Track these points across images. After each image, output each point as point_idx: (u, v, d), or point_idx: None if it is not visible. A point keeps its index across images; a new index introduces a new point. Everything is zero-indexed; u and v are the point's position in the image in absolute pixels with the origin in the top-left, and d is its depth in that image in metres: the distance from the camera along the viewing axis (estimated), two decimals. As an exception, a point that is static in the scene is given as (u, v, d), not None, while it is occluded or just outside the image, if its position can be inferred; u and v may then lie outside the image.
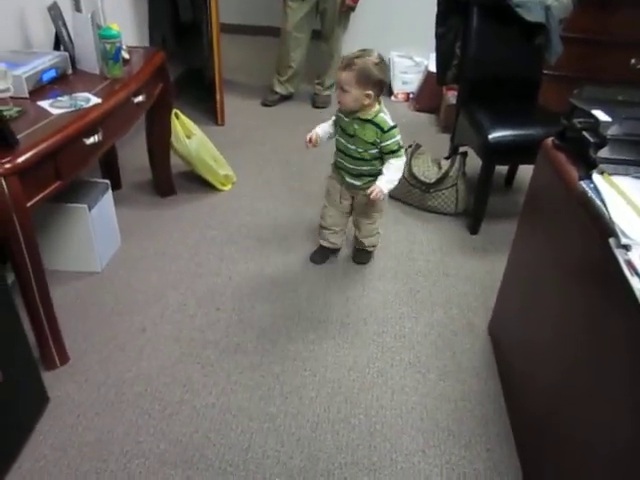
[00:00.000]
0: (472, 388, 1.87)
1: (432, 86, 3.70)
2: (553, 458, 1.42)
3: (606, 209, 1.21)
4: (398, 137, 2.07)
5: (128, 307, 2.14)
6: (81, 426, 1.69)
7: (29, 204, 1.58)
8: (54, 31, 2.13)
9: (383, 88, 2.06)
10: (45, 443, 1.63)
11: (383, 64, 2.01)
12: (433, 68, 3.29)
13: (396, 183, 2.09)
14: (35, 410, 1.70)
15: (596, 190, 1.29)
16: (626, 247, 1.11)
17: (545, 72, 2.84)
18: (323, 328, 2.09)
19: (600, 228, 1.21)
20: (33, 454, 1.60)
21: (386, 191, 2.05)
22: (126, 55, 2.23)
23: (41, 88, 1.91)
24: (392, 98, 4.24)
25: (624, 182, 1.31)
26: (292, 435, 1.69)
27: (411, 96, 4.20)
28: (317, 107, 4.04)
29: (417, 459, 1.64)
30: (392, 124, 2.05)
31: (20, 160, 1.51)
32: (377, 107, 2.06)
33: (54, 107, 1.78)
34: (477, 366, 1.96)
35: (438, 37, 2.83)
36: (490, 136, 2.46)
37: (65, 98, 1.85)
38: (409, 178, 2.80)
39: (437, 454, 1.65)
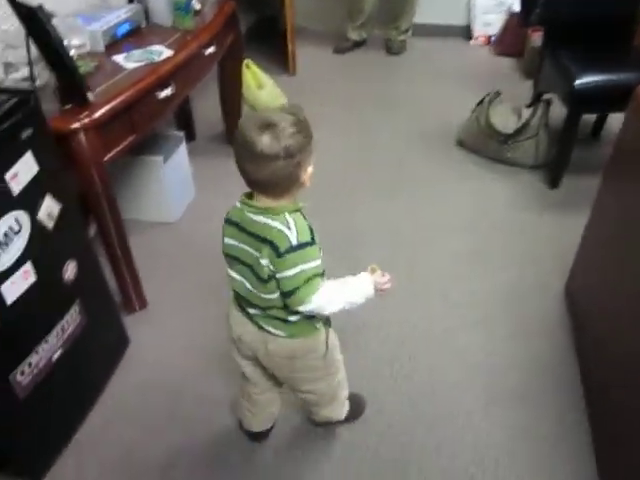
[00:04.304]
0: (542, 350, 1.82)
1: (516, 28, 3.46)
2: (626, 426, 1.36)
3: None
4: None
5: (201, 256, 2.22)
6: (158, 367, 1.80)
7: (106, 157, 1.65)
8: (128, -17, 2.16)
9: None
10: (126, 381, 1.76)
11: None
12: (517, 8, 3.05)
13: None
14: (117, 350, 1.83)
15: (692, 145, 1.17)
16: None
17: (643, 9, 2.57)
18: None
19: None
20: (115, 390, 1.73)
21: None
22: (197, 6, 2.22)
23: (116, 42, 1.95)
24: (471, 42, 4.00)
25: None
26: (354, 388, 1.71)
27: (492, 39, 3.94)
28: (392, 54, 3.88)
29: (479, 417, 1.63)
30: None
31: (97, 115, 1.56)
32: None
33: (128, 61, 1.82)
34: (549, 328, 1.89)
35: (524, -27, 2.62)
36: (577, 81, 2.28)
37: (138, 52, 1.88)
38: (486, 128, 2.66)
39: (500, 414, 1.63)
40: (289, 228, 1.13)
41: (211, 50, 2.19)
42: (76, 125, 1.53)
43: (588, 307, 1.81)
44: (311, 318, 1.25)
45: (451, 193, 2.54)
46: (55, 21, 1.51)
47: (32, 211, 1.33)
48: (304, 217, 1.18)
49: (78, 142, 1.54)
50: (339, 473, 1.52)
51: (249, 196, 1.20)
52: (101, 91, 1.65)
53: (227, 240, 1.24)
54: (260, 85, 2.75)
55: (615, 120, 2.54)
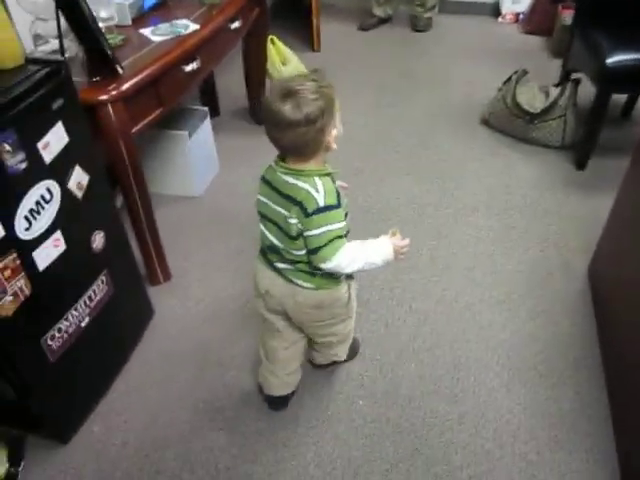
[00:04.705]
0: (565, 330, 1.81)
1: (545, 5, 3.39)
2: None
3: None
4: None
5: (225, 230, 2.25)
6: (182, 337, 1.84)
7: (134, 130, 1.67)
8: (155, -44, 2.15)
9: None
10: (151, 350, 1.80)
11: None
12: (548, -16, 2.99)
13: None
14: (142, 321, 1.87)
15: None
16: None
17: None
18: (412, 260, 2.08)
19: None
20: (140, 359, 1.77)
21: None
22: (223, -20, 2.21)
23: (143, 15, 1.96)
24: (499, 19, 3.91)
25: None
26: (376, 361, 1.74)
27: (521, 17, 3.85)
28: (417, 30, 3.82)
29: (500, 395, 1.63)
30: None
31: (124, 87, 1.58)
32: None
33: (155, 35, 1.83)
34: (572, 308, 1.88)
35: (556, -53, 2.55)
36: (609, 60, 2.22)
37: (165, 25, 1.89)
38: (512, 107, 2.62)
39: (521, 392, 1.64)
40: (317, 191, 1.20)
41: (236, 25, 2.18)
42: (104, 97, 1.55)
43: (611, 288, 1.80)
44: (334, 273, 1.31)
45: (476, 171, 2.52)
46: (84, -7, 1.52)
47: (62, 181, 1.35)
48: (333, 182, 1.25)
49: (106, 114, 1.56)
50: (364, 444, 1.54)
51: (282, 158, 1.26)
52: (128, 64, 1.66)
53: (260, 198, 1.32)
54: (284, 61, 2.74)
55: (646, 100, 2.48)
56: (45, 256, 1.33)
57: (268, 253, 1.37)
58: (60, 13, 1.53)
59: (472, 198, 2.37)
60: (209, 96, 2.86)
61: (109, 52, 1.57)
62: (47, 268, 1.33)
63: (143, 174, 1.77)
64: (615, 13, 2.41)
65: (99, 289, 1.56)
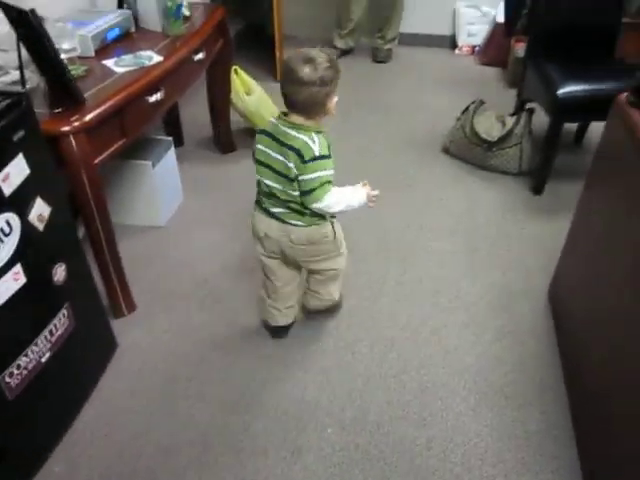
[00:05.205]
0: (528, 352, 1.85)
1: (499, 38, 3.54)
2: (607, 426, 1.39)
3: (680, 170, 1.14)
4: None
5: (191, 260, 2.23)
6: (147, 370, 1.80)
7: (96, 161, 1.66)
8: (118, -11, 2.17)
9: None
10: (114, 385, 1.75)
11: None
12: (501, 19, 3.12)
13: None
14: (105, 355, 1.82)
15: (671, 150, 1.21)
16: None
17: (625, 21, 2.63)
18: (378, 286, 2.10)
19: (673, 191, 1.14)
20: (104, 395, 1.73)
21: None
22: (187, 12, 2.24)
23: (106, 47, 1.96)
24: (456, 51, 4.07)
25: None
26: (344, 388, 1.74)
27: (477, 49, 4.01)
28: (378, 62, 3.93)
29: (468, 418, 1.65)
30: None
31: (87, 118, 1.57)
32: None
33: (118, 66, 1.83)
34: (534, 330, 1.93)
35: (507, -15, 2.68)
36: (560, 91, 2.33)
37: (129, 56, 1.89)
38: (471, 136, 2.71)
39: (488, 415, 1.66)
40: (314, 142, 1.46)
41: (200, 56, 2.20)
42: (66, 128, 1.53)
43: (570, 310, 1.85)
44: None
45: (439, 198, 2.58)
46: (45, 25, 1.52)
47: (23, 213, 1.33)
48: (325, 138, 1.51)
49: (68, 145, 1.54)
50: (333, 473, 1.53)
51: (284, 114, 1.51)
52: (91, 95, 1.65)
53: (260, 147, 1.55)
54: (248, 91, 2.78)
55: (597, 128, 2.60)
56: (4, 290, 1.29)
57: (264, 200, 1.61)
58: (21, 44, 1.53)
59: (436, 224, 2.42)
60: (173, 126, 2.87)
61: (71, 83, 1.57)
62: (6, 303, 1.29)
63: (106, 205, 1.75)
64: (564, 46, 2.53)
65: (60, 323, 1.52)
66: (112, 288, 1.90)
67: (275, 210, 1.59)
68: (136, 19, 2.15)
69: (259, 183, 1.59)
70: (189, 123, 3.01)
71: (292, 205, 1.56)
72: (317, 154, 1.46)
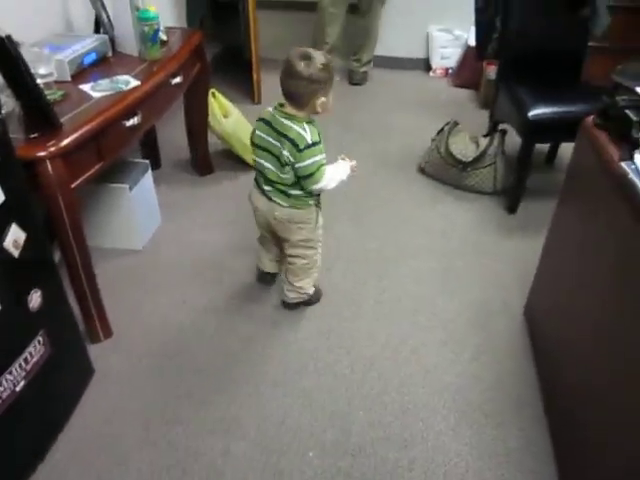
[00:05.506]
0: (506, 369, 1.87)
1: (472, 61, 3.62)
2: (584, 441, 1.41)
3: (646, 191, 1.18)
4: None
5: (168, 282, 2.21)
6: (124, 395, 1.77)
7: (73, 185, 1.65)
8: (94, 14, 2.18)
9: None
10: (91, 412, 1.72)
11: None
12: (473, 42, 3.20)
13: None
14: (81, 381, 1.79)
15: (637, 171, 1.26)
16: (665, 231, 1.08)
17: (590, 44, 2.73)
18: (357, 306, 2.11)
19: None
20: (80, 422, 1.69)
21: None
22: (164, 37, 2.26)
23: (82, 71, 1.96)
24: (430, 74, 4.16)
25: (667, 162, 1.27)
26: (325, 410, 1.73)
27: (450, 71, 4.11)
28: (354, 84, 4.00)
29: (448, 438, 1.66)
30: None
31: (64, 143, 1.56)
32: None
33: (95, 90, 1.83)
34: (512, 347, 1.95)
35: (478, 10, 2.76)
36: (530, 113, 2.40)
37: (105, 81, 1.89)
38: (446, 156, 2.76)
39: (468, 433, 1.67)
40: (305, 131, 1.67)
41: (178, 80, 2.22)
42: (43, 153, 1.52)
43: (545, 327, 1.88)
44: (306, 196, 1.79)
45: (416, 217, 2.61)
46: (21, 50, 1.52)
47: (-3, 239, 1.31)
48: (315, 126, 1.70)
49: (45, 170, 1.53)
50: None
51: (282, 105, 1.71)
52: (68, 119, 1.65)
53: (259, 133, 1.76)
54: (226, 114, 2.80)
55: (567, 148, 2.67)
56: (-23, 318, 1.27)
57: (258, 178, 1.84)
58: (-4, 70, 1.52)
59: (413, 243, 2.45)
60: (150, 148, 2.86)
61: (48, 108, 1.57)
62: (-21, 331, 1.27)
63: (82, 229, 1.74)
64: (534, 70, 2.61)
65: (36, 350, 1.49)
66: (88, 313, 1.88)
67: (265, 188, 1.82)
68: (113, 43, 2.16)
69: (255, 163, 1.82)
70: (167, 145, 3.01)
71: (278, 186, 1.78)
72: (310, 142, 1.66)
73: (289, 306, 2.09)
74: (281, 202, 1.80)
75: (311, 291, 2.06)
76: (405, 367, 1.88)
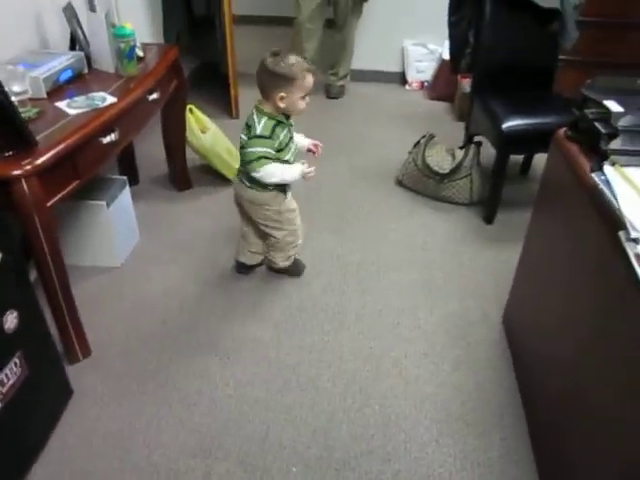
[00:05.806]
0: (487, 379, 1.89)
1: (447, 74, 3.68)
2: (566, 447, 1.43)
3: (616, 202, 1.21)
4: None
5: (148, 300, 2.19)
6: (104, 417, 1.74)
7: (49, 203, 1.63)
8: (69, 31, 2.17)
9: None
10: (70, 433, 1.69)
11: None
12: (447, 56, 3.26)
13: None
14: (60, 402, 1.76)
15: (607, 182, 1.29)
16: (635, 240, 1.11)
17: (562, 58, 2.80)
18: (338, 319, 2.12)
19: (610, 221, 1.21)
20: (59, 444, 1.66)
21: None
22: (140, 53, 2.26)
23: (58, 88, 1.95)
24: (406, 87, 4.22)
25: (637, 174, 1.31)
26: (308, 425, 1.73)
27: (425, 85, 4.17)
28: (331, 98, 4.04)
29: (431, 449, 1.66)
30: None
31: (39, 161, 1.55)
32: None
33: (71, 107, 1.82)
34: (492, 357, 1.97)
35: (451, 25, 2.81)
36: (504, 125, 2.45)
37: (81, 98, 1.88)
38: (423, 168, 2.79)
39: (451, 444, 1.68)
40: (259, 123, 1.86)
41: (155, 96, 2.21)
42: (18, 172, 1.50)
43: (522, 336, 1.91)
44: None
45: (396, 229, 2.63)
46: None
47: (-29, 260, 1.29)
48: (276, 124, 1.88)
49: (20, 189, 1.51)
50: None
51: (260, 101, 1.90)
52: (44, 137, 1.63)
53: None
54: (203, 129, 2.80)
55: (541, 160, 2.73)
56: (-49, 341, 1.24)
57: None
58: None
59: (393, 255, 2.47)
60: (128, 165, 2.84)
61: (23, 126, 1.55)
62: (-47, 354, 1.24)
63: (59, 248, 1.71)
64: (507, 83, 2.67)
65: (12, 372, 1.46)
66: (66, 333, 1.85)
67: (239, 169, 2.03)
68: (89, 60, 2.15)
69: None
70: (144, 161, 3.00)
71: (242, 168, 1.99)
72: (258, 133, 1.86)
73: (270, 269, 2.32)
74: (246, 182, 1.99)
75: (282, 264, 2.24)
76: (386, 379, 1.88)
